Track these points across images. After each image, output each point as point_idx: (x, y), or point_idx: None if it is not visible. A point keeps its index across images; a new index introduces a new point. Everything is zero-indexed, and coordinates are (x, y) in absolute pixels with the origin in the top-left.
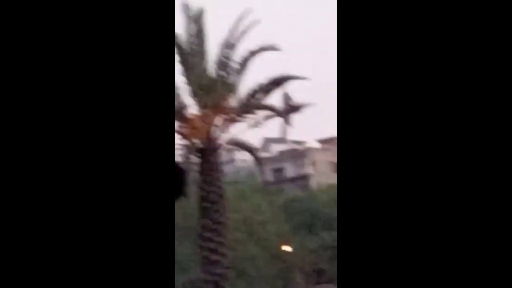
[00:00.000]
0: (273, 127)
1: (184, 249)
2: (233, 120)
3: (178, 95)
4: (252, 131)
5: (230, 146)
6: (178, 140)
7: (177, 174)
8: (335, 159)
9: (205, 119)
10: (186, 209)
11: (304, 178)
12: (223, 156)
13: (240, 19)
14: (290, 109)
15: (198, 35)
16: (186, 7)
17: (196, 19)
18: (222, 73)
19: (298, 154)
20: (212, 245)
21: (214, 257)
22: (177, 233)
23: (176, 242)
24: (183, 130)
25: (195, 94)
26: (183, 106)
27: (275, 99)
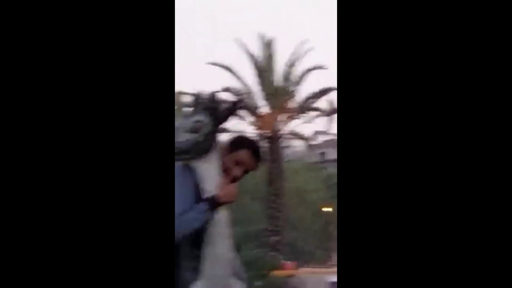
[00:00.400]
0: (320, 123)
1: (255, 207)
2: (292, 118)
3: (255, 98)
4: (305, 125)
5: (289, 136)
6: (252, 130)
7: (256, 148)
8: None
9: (272, 116)
10: (257, 178)
11: None
12: (284, 143)
13: (299, 46)
14: (332, 111)
15: (269, 57)
16: (262, 36)
17: (268, 45)
18: (286, 84)
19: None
20: (274, 205)
21: (276, 213)
22: (250, 195)
23: (249, 202)
24: (257, 124)
25: (266, 99)
26: (257, 107)
27: (322, 103)
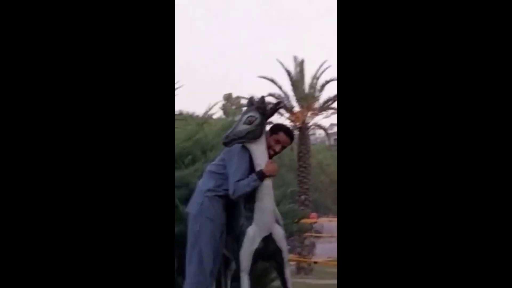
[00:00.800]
0: (334, 118)
1: (290, 176)
2: (315, 114)
3: (290, 101)
4: (324, 120)
5: (313, 127)
6: (288, 123)
7: (289, 130)
8: None
9: (302, 113)
10: (291, 156)
11: None
12: (310, 131)
13: (321, 64)
14: None
15: (300, 72)
16: (295, 58)
17: (299, 64)
18: (311, 91)
19: None
20: (302, 174)
21: (304, 180)
22: (286, 168)
23: (285, 172)
24: (291, 118)
25: (297, 101)
26: (292, 107)
27: (336, 104)
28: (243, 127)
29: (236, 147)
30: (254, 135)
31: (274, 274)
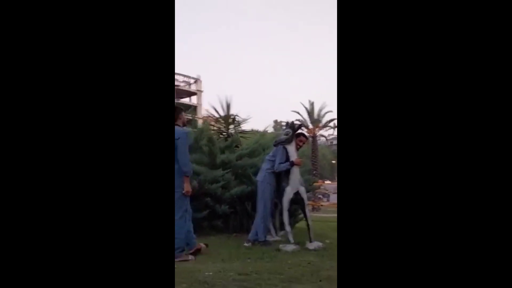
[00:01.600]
0: (334, 131)
1: (307, 162)
2: (320, 129)
3: (307, 122)
4: (327, 132)
5: (319, 136)
6: (306, 133)
7: (305, 136)
8: None
9: (313, 129)
10: (307, 151)
11: None
12: (318, 138)
13: (323, 104)
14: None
15: (312, 107)
16: (310, 101)
17: (311, 104)
18: (317, 118)
19: None
20: (313, 161)
21: (315, 164)
22: (305, 157)
23: (305, 160)
24: (308, 132)
25: (311, 123)
26: (308, 126)
27: (334, 123)
28: (283, 137)
29: (280, 147)
30: (289, 141)
31: (300, 212)
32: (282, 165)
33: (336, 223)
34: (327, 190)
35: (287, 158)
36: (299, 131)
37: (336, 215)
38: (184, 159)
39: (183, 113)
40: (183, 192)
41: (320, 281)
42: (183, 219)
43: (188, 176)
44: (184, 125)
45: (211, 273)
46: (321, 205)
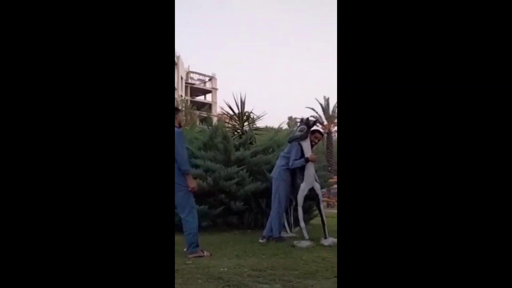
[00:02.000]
0: None
1: (322, 159)
2: (335, 125)
3: (322, 119)
4: None
5: (334, 132)
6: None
7: (320, 132)
8: None
9: (328, 125)
10: (322, 148)
11: None
12: (332, 134)
13: None
14: None
15: (327, 103)
16: (324, 97)
17: (327, 100)
18: (333, 113)
19: None
20: (328, 157)
21: (329, 159)
22: (320, 153)
23: (320, 156)
24: (323, 128)
25: (326, 119)
26: (323, 122)
27: None
28: (298, 133)
29: (295, 143)
30: (304, 137)
31: (315, 208)
32: (297, 161)
33: None
34: None
35: (302, 155)
36: (314, 127)
37: None
38: (181, 158)
39: (180, 114)
40: (189, 189)
41: (335, 277)
42: (191, 215)
43: (188, 174)
44: (180, 126)
45: (226, 269)
46: (336, 202)
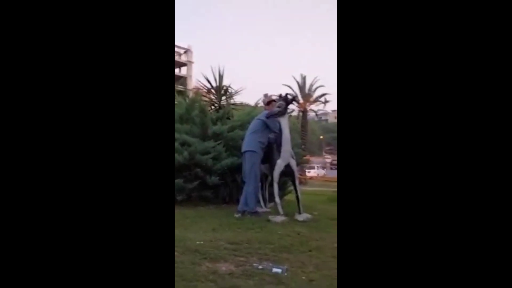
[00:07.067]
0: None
1: (297, 137)
2: (310, 103)
3: (298, 96)
4: (314, 107)
5: (309, 110)
6: (296, 108)
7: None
8: None
9: (304, 103)
10: (297, 125)
11: None
12: (308, 113)
13: (315, 79)
14: (326, 102)
15: (304, 81)
16: (301, 75)
17: (303, 78)
18: (309, 92)
19: None
20: (303, 133)
21: (303, 137)
22: (295, 132)
23: (295, 135)
24: (298, 106)
25: (302, 97)
26: (299, 100)
27: (323, 99)
28: (276, 109)
29: (274, 119)
30: (281, 113)
31: (289, 184)
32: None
33: (323, 196)
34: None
35: (280, 130)
36: (291, 106)
37: (324, 188)
38: None
39: None
40: None
41: (310, 251)
42: None
43: None
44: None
45: (202, 242)
46: (310, 178)
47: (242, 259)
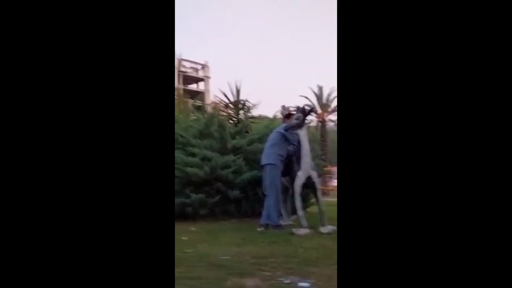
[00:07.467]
0: None
1: (317, 148)
2: (328, 114)
3: (316, 107)
4: (333, 116)
5: (328, 120)
6: (315, 119)
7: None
8: None
9: (322, 114)
10: (317, 135)
11: None
12: (326, 123)
13: (331, 89)
14: None
15: (320, 92)
16: (319, 86)
17: (320, 89)
18: (326, 102)
19: None
20: (323, 143)
21: (323, 148)
22: (315, 142)
23: (315, 145)
24: (317, 117)
25: (320, 107)
26: (317, 110)
27: None
28: (294, 122)
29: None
30: (299, 125)
31: (311, 196)
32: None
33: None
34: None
35: (299, 142)
36: (310, 115)
37: None
38: None
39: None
40: None
41: (336, 264)
42: None
43: None
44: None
45: (227, 257)
46: (331, 189)
47: (268, 273)
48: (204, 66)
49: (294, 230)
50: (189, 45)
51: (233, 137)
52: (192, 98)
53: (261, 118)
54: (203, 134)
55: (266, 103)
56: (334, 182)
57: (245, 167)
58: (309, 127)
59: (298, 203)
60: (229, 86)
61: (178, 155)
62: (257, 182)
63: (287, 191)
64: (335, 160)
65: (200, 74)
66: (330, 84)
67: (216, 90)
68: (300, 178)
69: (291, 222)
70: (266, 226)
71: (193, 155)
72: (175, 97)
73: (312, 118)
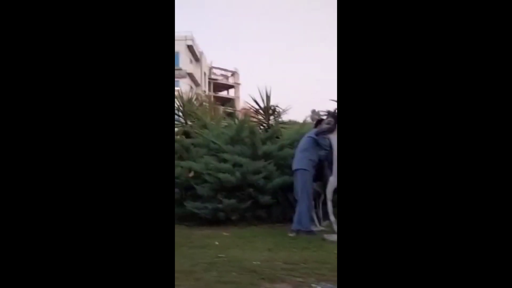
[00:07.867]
0: None
1: None
2: None
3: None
4: None
5: None
6: None
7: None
8: None
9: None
10: None
11: None
12: None
13: None
14: None
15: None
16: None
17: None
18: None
19: None
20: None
21: None
22: None
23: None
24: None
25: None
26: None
27: None
28: (325, 126)
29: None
30: (330, 130)
31: None
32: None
33: None
34: None
35: (330, 144)
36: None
37: None
38: None
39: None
40: None
41: None
42: None
43: None
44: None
45: (259, 263)
46: None
47: (300, 279)
48: (234, 73)
49: (326, 236)
50: (219, 52)
51: (263, 143)
52: (223, 105)
53: (291, 123)
54: (234, 140)
55: (296, 108)
56: None
57: (276, 172)
58: None
59: (330, 208)
60: (259, 92)
61: (211, 161)
62: (288, 187)
63: (319, 196)
64: None
65: (230, 81)
66: None
67: (246, 97)
68: (332, 183)
69: (323, 228)
70: (298, 231)
71: (224, 161)
72: (206, 104)
73: None
